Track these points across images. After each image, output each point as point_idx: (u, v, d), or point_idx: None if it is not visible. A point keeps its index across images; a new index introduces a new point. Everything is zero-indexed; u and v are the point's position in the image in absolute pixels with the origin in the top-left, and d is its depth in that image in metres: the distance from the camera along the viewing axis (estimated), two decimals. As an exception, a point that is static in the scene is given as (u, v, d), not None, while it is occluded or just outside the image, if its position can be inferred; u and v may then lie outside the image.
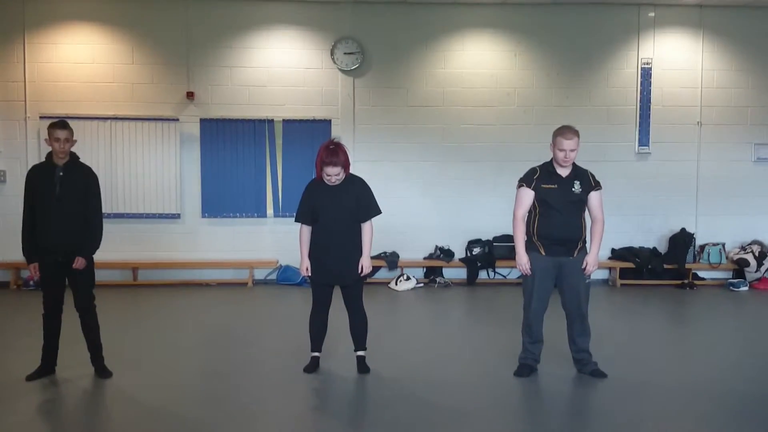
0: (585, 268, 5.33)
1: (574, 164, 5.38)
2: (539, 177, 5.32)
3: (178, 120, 9.69)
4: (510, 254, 9.89)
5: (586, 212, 5.43)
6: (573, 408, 5.03)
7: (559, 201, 5.23)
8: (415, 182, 9.99)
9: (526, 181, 5.36)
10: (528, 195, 5.33)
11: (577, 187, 5.27)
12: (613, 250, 10.01)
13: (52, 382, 5.39)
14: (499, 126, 10.00)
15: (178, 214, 9.75)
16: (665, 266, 9.81)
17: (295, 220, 5.51)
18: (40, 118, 9.52)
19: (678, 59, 10.05)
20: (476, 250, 9.84)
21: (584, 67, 10.02)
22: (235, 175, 9.76)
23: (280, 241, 9.85)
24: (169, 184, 9.68)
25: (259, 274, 9.97)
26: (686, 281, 9.73)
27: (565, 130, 5.28)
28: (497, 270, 10.04)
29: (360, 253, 5.46)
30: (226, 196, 9.79)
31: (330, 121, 9.82)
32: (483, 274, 9.97)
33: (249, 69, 9.80)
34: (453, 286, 9.69)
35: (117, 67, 9.67)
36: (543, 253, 5.31)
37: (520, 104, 10.02)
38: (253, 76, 9.81)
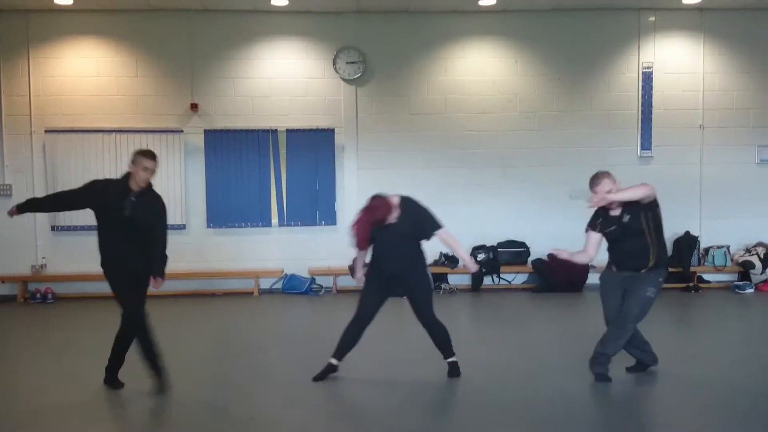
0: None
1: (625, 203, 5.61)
2: (601, 222, 5.76)
3: (182, 132, 9.74)
4: (515, 260, 9.96)
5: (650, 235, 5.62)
6: (571, 409, 5.03)
7: (621, 236, 5.62)
8: (418, 189, 9.89)
9: (591, 225, 5.85)
10: (595, 237, 5.80)
11: (626, 219, 5.59)
12: (617, 254, 10.01)
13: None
14: (502, 132, 10.03)
15: (184, 225, 9.79)
16: (670, 269, 9.78)
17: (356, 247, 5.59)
18: (46, 132, 9.58)
19: (679, 63, 10.08)
20: (481, 256, 9.85)
21: (585, 72, 10.06)
22: (239, 185, 9.81)
23: (285, 250, 9.88)
24: (174, 195, 9.72)
25: (265, 284, 9.99)
26: (691, 284, 9.72)
27: (592, 180, 5.69)
28: (502, 275, 10.05)
29: (422, 268, 5.63)
30: (231, 206, 9.83)
31: (333, 130, 9.87)
32: (488, 280, 9.98)
33: (252, 80, 9.86)
34: (458, 293, 9.71)
35: (121, 80, 9.74)
36: (614, 270, 5.72)
37: (521, 110, 10.05)
38: (256, 86, 9.86)
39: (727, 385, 5.42)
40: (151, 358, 5.41)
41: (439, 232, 5.66)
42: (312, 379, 5.56)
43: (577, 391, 5.36)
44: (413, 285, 5.61)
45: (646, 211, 5.60)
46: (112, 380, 5.50)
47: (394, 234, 5.48)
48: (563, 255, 5.79)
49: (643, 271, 5.57)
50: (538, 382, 5.55)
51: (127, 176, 5.48)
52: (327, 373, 5.60)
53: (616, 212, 5.66)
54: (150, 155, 5.47)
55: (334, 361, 5.62)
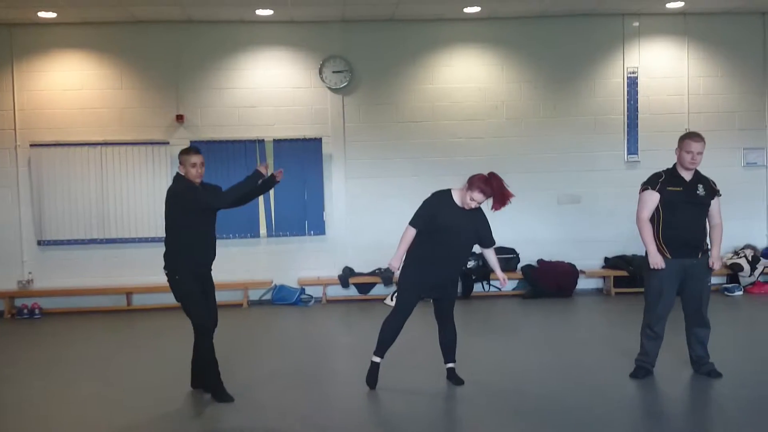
0: (711, 266, 5.50)
1: (696, 171, 5.54)
2: (665, 180, 5.49)
3: (168, 143, 9.69)
4: (505, 266, 9.90)
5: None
6: (568, 413, 5.02)
7: (685, 203, 5.40)
8: (407, 197, 9.90)
9: (651, 184, 5.52)
10: (653, 197, 5.47)
11: (701, 190, 5.46)
12: (606, 259, 10.02)
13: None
14: (489, 139, 10.05)
15: (171, 238, 9.72)
16: (659, 273, 9.81)
17: (410, 224, 5.55)
18: (31, 146, 9.51)
19: (664, 67, 10.13)
20: (470, 264, 9.83)
21: (571, 78, 10.09)
22: (227, 196, 9.74)
23: (274, 260, 9.84)
24: (161, 207, 9.60)
25: (254, 295, 9.94)
26: (681, 288, 9.73)
27: (693, 134, 5.54)
28: (492, 282, 10.04)
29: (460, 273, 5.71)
30: (219, 217, 9.65)
31: (321, 139, 9.85)
32: (478, 287, 9.97)
33: (238, 90, 9.83)
34: (448, 301, 9.67)
35: (106, 93, 9.69)
36: (669, 257, 5.43)
37: (508, 117, 10.07)
38: (242, 97, 9.84)
39: (720, 388, 5.42)
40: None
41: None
42: (367, 385, 5.51)
43: (572, 395, 5.35)
44: (452, 288, 5.66)
45: (714, 196, 5.50)
46: (221, 394, 5.36)
47: (465, 225, 5.41)
48: (659, 261, 5.42)
49: (700, 255, 5.42)
50: (532, 388, 5.53)
51: (179, 178, 5.60)
52: (375, 373, 5.55)
53: (687, 176, 5.45)
54: (194, 150, 5.60)
55: (377, 359, 5.58)
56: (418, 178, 9.97)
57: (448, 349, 5.72)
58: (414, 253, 5.52)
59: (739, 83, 10.16)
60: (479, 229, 5.51)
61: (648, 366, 5.70)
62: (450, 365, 5.71)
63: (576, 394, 5.42)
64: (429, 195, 5.65)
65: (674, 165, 5.56)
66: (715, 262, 5.51)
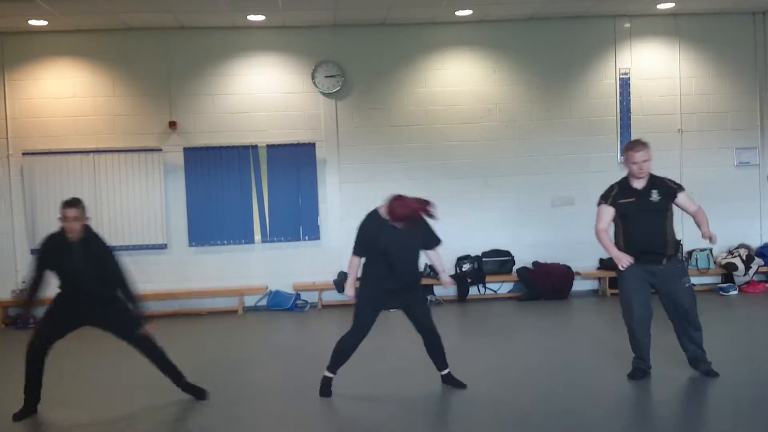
0: (708, 240, 5.45)
1: (651, 175, 5.57)
2: (616, 193, 5.57)
3: (161, 150, 9.67)
4: (500, 269, 9.95)
5: (672, 219, 5.59)
6: (567, 416, 5.01)
7: (640, 212, 5.44)
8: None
9: (604, 198, 5.62)
10: (607, 211, 5.58)
11: (654, 196, 5.47)
12: (601, 260, 10.02)
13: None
14: (482, 142, 10.05)
15: (165, 245, 9.70)
16: (654, 274, 9.82)
17: (353, 254, 5.54)
18: (23, 154, 9.48)
19: (656, 68, 10.16)
20: (466, 267, 9.84)
21: (563, 79, 10.11)
22: (221, 202, 9.73)
23: (269, 266, 9.81)
24: (155, 214, 9.64)
25: (250, 301, 9.91)
26: (676, 288, 9.73)
27: (635, 144, 5.59)
28: (488, 285, 10.03)
29: (420, 279, 5.68)
30: (213, 224, 9.76)
31: (314, 144, 9.83)
32: (474, 290, 9.96)
33: (231, 96, 9.82)
34: (444, 304, 9.68)
35: (98, 100, 9.66)
36: (633, 262, 5.48)
37: (501, 119, 10.07)
38: (235, 103, 9.82)
39: (715, 387, 5.43)
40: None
41: (437, 247, 5.61)
42: (319, 394, 5.51)
43: (569, 397, 5.34)
44: (416, 293, 5.59)
45: (672, 198, 5.50)
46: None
47: (406, 242, 5.40)
48: (626, 261, 5.44)
49: (664, 262, 5.42)
50: (528, 390, 5.53)
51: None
52: (328, 386, 5.53)
53: (639, 185, 5.49)
54: (67, 203, 5.46)
55: (329, 375, 5.56)
56: (413, 182, 9.96)
57: (437, 357, 5.65)
58: (365, 270, 5.53)
59: (731, 83, 10.19)
60: (421, 235, 5.50)
61: (644, 367, 5.70)
62: (444, 372, 5.68)
63: (572, 396, 5.41)
64: (363, 218, 5.61)
65: (627, 175, 5.61)
66: (711, 236, 5.44)
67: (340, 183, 9.90)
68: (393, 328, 7.10)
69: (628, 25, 10.06)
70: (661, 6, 9.61)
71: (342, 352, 5.55)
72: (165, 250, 9.71)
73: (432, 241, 5.61)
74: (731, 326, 8.11)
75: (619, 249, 5.52)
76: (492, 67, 10.05)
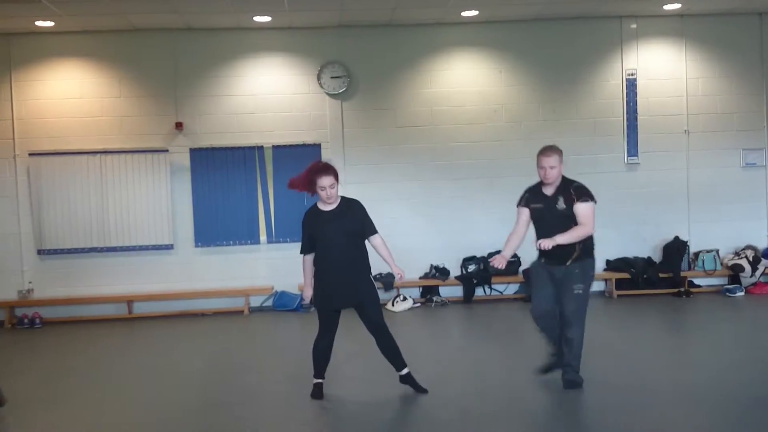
0: (538, 246, 5.50)
1: (563, 179, 5.64)
2: (528, 198, 5.75)
3: (167, 151, 9.68)
4: (506, 270, 9.89)
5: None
6: (570, 415, 5.00)
7: (545, 217, 5.60)
8: (407, 202, 9.99)
9: (519, 200, 5.84)
10: (522, 213, 5.79)
11: (561, 203, 5.56)
12: (608, 262, 10.00)
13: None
14: (488, 143, 10.03)
15: (171, 245, 9.72)
16: (660, 275, 9.81)
17: (301, 252, 5.56)
18: (30, 155, 9.50)
19: (662, 69, 10.13)
20: (471, 267, 9.83)
21: (570, 80, 10.09)
22: (227, 203, 9.75)
23: (275, 267, 9.82)
24: (161, 215, 9.66)
25: (255, 301, 9.92)
26: (682, 289, 9.72)
27: (545, 149, 5.67)
28: (493, 286, 10.02)
29: (367, 273, 5.52)
30: (219, 224, 9.77)
31: (320, 145, 9.84)
32: (479, 291, 9.95)
33: (237, 97, 9.83)
34: (450, 305, 9.67)
35: (104, 101, 9.68)
36: (542, 261, 5.68)
37: (507, 120, 10.06)
38: (241, 104, 9.83)
39: (721, 389, 5.41)
40: None
41: (377, 235, 5.54)
42: (311, 396, 5.51)
43: (574, 401, 5.33)
44: (364, 292, 5.46)
45: (574, 203, 5.54)
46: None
47: (338, 226, 5.37)
48: (499, 261, 5.58)
49: (568, 262, 5.49)
50: (532, 393, 5.52)
51: None
52: (319, 392, 5.54)
53: (549, 191, 5.61)
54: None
55: (319, 381, 5.59)
56: (418, 183, 9.98)
57: (392, 358, 5.56)
58: (314, 273, 5.53)
59: (738, 84, 10.16)
60: (355, 221, 5.45)
61: (550, 362, 5.77)
62: (403, 371, 5.57)
63: (582, 396, 5.40)
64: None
65: (540, 181, 5.70)
66: (543, 242, 5.42)
67: (346, 183, 9.86)
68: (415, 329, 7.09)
69: (634, 26, 10.04)
70: (668, 7, 9.58)
71: (317, 357, 5.57)
72: (171, 250, 9.72)
73: (368, 228, 5.51)
74: (738, 327, 8.09)
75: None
76: (498, 68, 10.04)
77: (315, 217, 5.48)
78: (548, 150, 5.61)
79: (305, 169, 5.49)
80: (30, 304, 9.48)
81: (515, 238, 5.78)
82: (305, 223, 5.52)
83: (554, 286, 5.60)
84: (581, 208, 5.52)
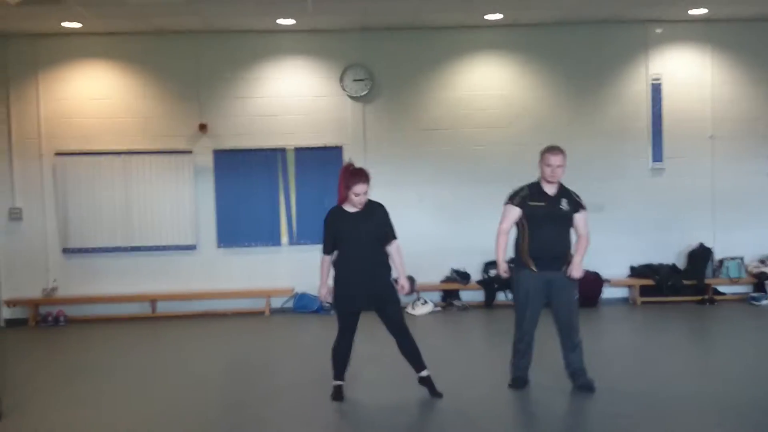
0: (569, 274, 5.49)
1: (560, 184, 5.66)
2: (527, 195, 5.63)
3: (191, 152, 9.76)
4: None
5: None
6: (591, 422, 4.96)
7: (547, 217, 5.52)
8: (428, 205, 9.97)
9: (512, 198, 5.68)
10: (513, 212, 5.65)
11: (564, 204, 5.56)
12: (632, 268, 9.92)
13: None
14: (511, 146, 9.99)
15: (194, 245, 9.79)
16: (685, 282, 9.70)
17: (323, 252, 5.56)
18: (55, 155, 9.62)
19: (688, 74, 10.03)
20: (493, 272, 9.78)
21: (594, 84, 10.03)
22: (249, 204, 9.80)
23: (296, 268, 9.84)
24: (185, 215, 9.74)
25: (276, 303, 9.95)
26: (706, 297, 9.62)
27: (552, 148, 5.65)
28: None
29: (388, 275, 5.52)
30: (241, 225, 9.83)
31: (341, 147, 9.86)
32: (500, 296, 9.91)
33: (260, 99, 9.88)
34: (471, 309, 9.64)
35: (129, 102, 9.78)
36: (534, 270, 5.52)
37: (530, 124, 10.01)
38: (264, 106, 9.88)
39: (744, 397, 5.34)
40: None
41: (396, 242, 5.53)
42: (331, 399, 5.51)
43: (595, 407, 5.29)
44: (385, 294, 5.47)
45: (575, 211, 5.56)
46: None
47: (361, 227, 5.39)
48: (507, 271, 5.64)
49: (563, 268, 5.48)
50: (553, 400, 5.48)
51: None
52: (339, 394, 5.55)
53: (551, 190, 5.56)
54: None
55: (339, 383, 5.58)
56: (439, 186, 9.96)
57: (413, 359, 5.55)
58: (334, 273, 5.53)
59: (764, 90, 10.03)
60: (379, 225, 5.47)
61: (524, 375, 5.71)
62: (423, 373, 5.56)
63: (600, 403, 5.35)
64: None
65: (538, 179, 5.65)
66: (575, 270, 5.47)
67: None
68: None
69: (660, 30, 9.96)
70: (693, 12, 9.49)
71: (337, 359, 5.58)
72: (194, 250, 9.79)
73: (389, 234, 5.51)
74: (763, 336, 7.98)
75: (522, 251, 5.58)
76: (521, 71, 10.00)
77: (340, 218, 5.48)
78: (556, 149, 5.59)
79: (340, 175, 5.50)
80: (54, 302, 9.58)
81: (506, 240, 5.68)
82: (329, 222, 5.51)
83: (544, 297, 5.55)
84: (581, 218, 5.60)
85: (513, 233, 5.74)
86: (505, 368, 6.46)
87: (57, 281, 9.68)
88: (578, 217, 5.58)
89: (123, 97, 9.77)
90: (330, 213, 5.56)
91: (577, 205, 5.58)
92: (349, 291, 5.45)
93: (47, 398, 5.81)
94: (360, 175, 5.44)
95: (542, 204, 5.53)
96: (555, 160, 5.51)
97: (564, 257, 5.51)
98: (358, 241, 5.38)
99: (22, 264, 9.58)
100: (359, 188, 5.39)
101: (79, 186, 9.60)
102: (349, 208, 5.49)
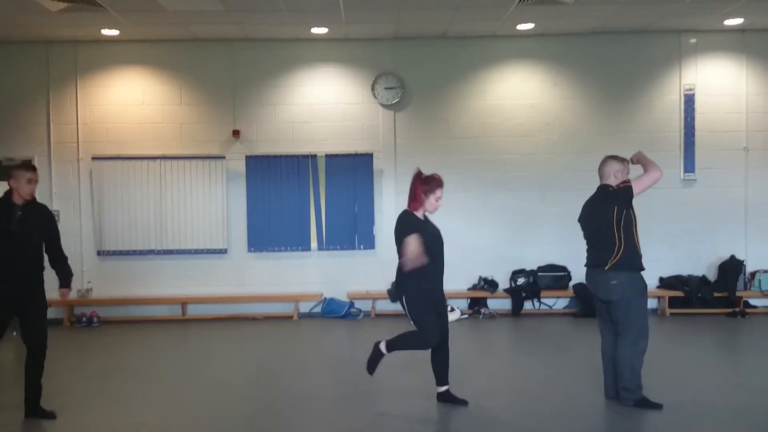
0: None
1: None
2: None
3: (224, 158, 9.91)
4: (556, 284, 9.85)
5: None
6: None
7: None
8: (457, 213, 9.99)
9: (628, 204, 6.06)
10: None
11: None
12: (661, 279, 9.84)
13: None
14: (540, 155, 9.99)
15: (225, 249, 9.93)
16: (715, 294, 9.60)
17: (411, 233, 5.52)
18: (92, 159, 9.83)
19: (722, 85, 9.94)
20: (521, 280, 9.78)
21: (625, 94, 9.98)
22: (279, 209, 9.91)
23: (325, 274, 9.94)
24: (217, 220, 9.88)
25: (304, 307, 10.05)
26: (737, 309, 9.50)
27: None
28: (542, 300, 9.95)
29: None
30: (272, 230, 9.94)
31: (372, 154, 9.94)
32: (528, 305, 9.89)
33: (292, 106, 10.01)
34: (498, 317, 9.63)
35: (165, 108, 9.97)
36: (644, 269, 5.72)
37: (561, 134, 10.00)
38: (296, 112, 10.00)
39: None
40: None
41: None
42: (367, 367, 5.60)
43: (623, 419, 5.27)
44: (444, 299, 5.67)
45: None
46: (35, 411, 5.32)
47: (439, 237, 5.64)
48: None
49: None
50: (582, 408, 5.47)
51: (9, 192, 5.32)
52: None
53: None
54: (30, 167, 5.43)
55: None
56: (469, 194, 9.98)
57: (441, 371, 5.56)
58: (420, 278, 5.48)
59: (801, 101, 9.91)
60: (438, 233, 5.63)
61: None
62: (442, 388, 5.57)
63: (624, 415, 5.33)
64: (399, 218, 5.66)
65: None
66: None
67: (396, 194, 9.95)
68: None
69: (694, 40, 9.88)
70: (729, 22, 9.41)
71: (407, 343, 5.53)
72: (225, 254, 9.93)
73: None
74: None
75: (634, 254, 5.84)
76: (552, 81, 10.00)
77: (420, 222, 5.55)
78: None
79: (415, 182, 5.60)
80: (88, 304, 9.78)
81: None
82: (415, 224, 5.51)
83: None
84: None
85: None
86: (533, 377, 6.45)
87: (91, 283, 9.88)
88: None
89: (159, 103, 9.96)
90: (409, 215, 5.57)
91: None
92: (435, 294, 5.60)
93: (79, 398, 5.93)
94: (440, 180, 5.62)
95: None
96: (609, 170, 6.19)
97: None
98: (439, 246, 5.58)
99: (59, 265, 9.81)
100: (440, 192, 5.61)
101: (114, 190, 9.80)
102: (420, 215, 5.58)
